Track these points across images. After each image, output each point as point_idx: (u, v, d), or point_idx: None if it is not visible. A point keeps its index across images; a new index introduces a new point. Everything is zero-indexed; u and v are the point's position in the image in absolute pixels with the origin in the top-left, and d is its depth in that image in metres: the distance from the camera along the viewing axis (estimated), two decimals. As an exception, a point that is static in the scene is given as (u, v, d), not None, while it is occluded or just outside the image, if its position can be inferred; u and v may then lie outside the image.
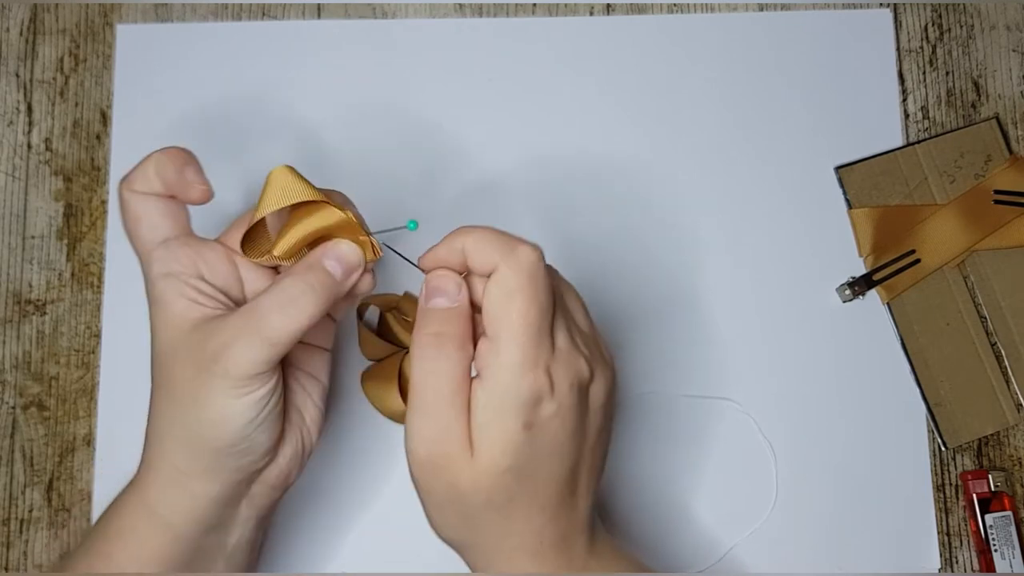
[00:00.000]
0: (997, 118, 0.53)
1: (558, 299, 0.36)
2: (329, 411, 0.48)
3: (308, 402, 0.40)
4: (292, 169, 0.36)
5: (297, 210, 0.36)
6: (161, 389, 0.36)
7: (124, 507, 0.37)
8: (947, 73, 0.53)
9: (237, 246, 0.37)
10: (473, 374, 0.34)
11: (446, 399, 0.34)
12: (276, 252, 0.36)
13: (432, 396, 0.34)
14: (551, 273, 0.36)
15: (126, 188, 0.37)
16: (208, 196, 0.37)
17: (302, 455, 0.39)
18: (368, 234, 0.37)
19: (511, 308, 0.33)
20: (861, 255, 0.51)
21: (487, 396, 0.33)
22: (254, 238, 0.37)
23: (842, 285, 0.51)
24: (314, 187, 0.36)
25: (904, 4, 0.54)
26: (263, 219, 0.36)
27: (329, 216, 0.36)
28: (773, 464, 0.49)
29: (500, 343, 0.33)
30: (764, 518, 0.49)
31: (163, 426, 0.36)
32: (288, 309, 0.34)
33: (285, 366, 0.39)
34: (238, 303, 0.37)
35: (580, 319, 0.37)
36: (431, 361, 0.34)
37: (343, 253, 0.36)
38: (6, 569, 0.48)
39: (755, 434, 0.50)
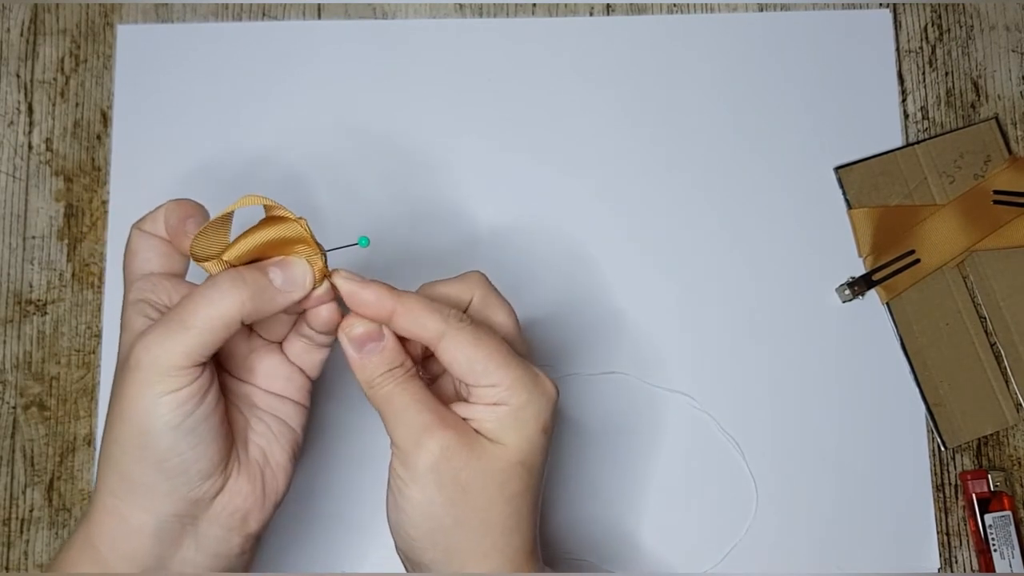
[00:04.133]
0: (996, 118, 0.53)
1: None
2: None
3: (275, 447, 0.38)
4: (256, 197, 0.36)
5: (257, 225, 0.36)
6: (109, 413, 0.35)
7: (72, 544, 0.35)
8: (946, 73, 0.53)
9: None
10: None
11: (432, 404, 0.36)
12: (226, 256, 0.35)
13: (419, 406, 0.36)
14: (487, 295, 0.38)
15: (136, 227, 0.38)
16: None
17: (263, 499, 0.37)
18: (321, 249, 0.36)
19: (483, 356, 0.35)
20: (861, 255, 0.51)
21: (505, 413, 0.35)
22: (208, 239, 0.36)
23: (842, 285, 0.51)
24: (274, 202, 0.36)
25: (903, 4, 0.54)
26: (219, 221, 0.35)
27: (284, 228, 0.35)
28: (743, 460, 0.49)
29: (494, 379, 0.35)
30: (750, 518, 0.49)
31: (102, 450, 0.35)
32: (211, 295, 0.34)
33: (249, 405, 0.38)
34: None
35: (520, 337, 0.39)
36: (399, 394, 0.36)
37: (290, 265, 0.36)
38: (6, 569, 0.48)
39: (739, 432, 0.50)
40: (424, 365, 0.40)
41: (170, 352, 0.33)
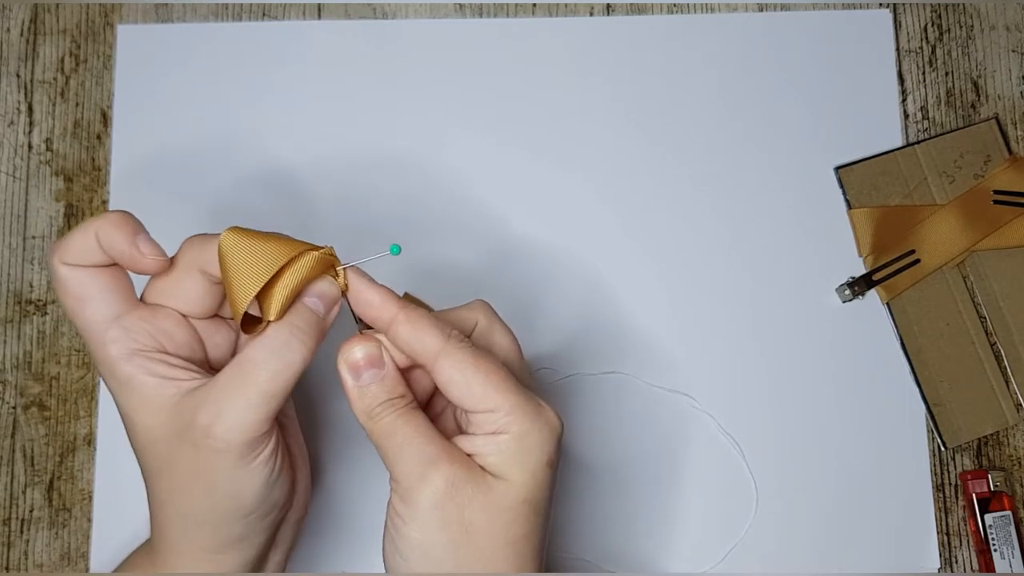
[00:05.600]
0: (996, 118, 0.53)
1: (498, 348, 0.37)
2: (317, 415, 0.49)
3: (293, 425, 0.39)
4: (241, 231, 0.33)
5: (283, 263, 0.34)
6: (159, 475, 0.34)
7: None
8: (947, 73, 0.53)
9: (170, 300, 0.35)
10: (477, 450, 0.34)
11: (436, 436, 0.34)
12: (271, 318, 0.34)
13: (423, 439, 0.34)
14: (489, 318, 0.37)
15: (60, 261, 0.34)
16: (166, 266, 0.35)
17: (312, 478, 0.39)
18: (340, 265, 0.35)
19: (480, 378, 0.33)
20: (861, 255, 0.51)
21: (507, 443, 0.33)
22: (248, 318, 0.34)
23: (842, 285, 0.51)
24: (273, 235, 0.34)
25: (904, 4, 0.54)
26: (260, 271, 0.33)
27: (308, 262, 0.34)
28: (743, 460, 0.49)
29: (493, 403, 0.33)
30: (750, 518, 0.49)
31: (175, 512, 0.34)
32: (280, 356, 0.32)
33: None
34: (205, 366, 0.36)
35: (521, 364, 0.37)
36: (400, 426, 0.34)
37: (322, 290, 0.35)
38: (7, 569, 0.48)
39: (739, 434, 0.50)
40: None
41: (254, 423, 0.32)
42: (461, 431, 0.36)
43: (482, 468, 0.33)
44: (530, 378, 0.38)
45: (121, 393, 0.34)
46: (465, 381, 0.33)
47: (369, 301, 0.35)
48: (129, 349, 0.33)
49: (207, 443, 0.32)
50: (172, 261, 0.35)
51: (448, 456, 0.33)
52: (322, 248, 0.34)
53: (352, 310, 0.36)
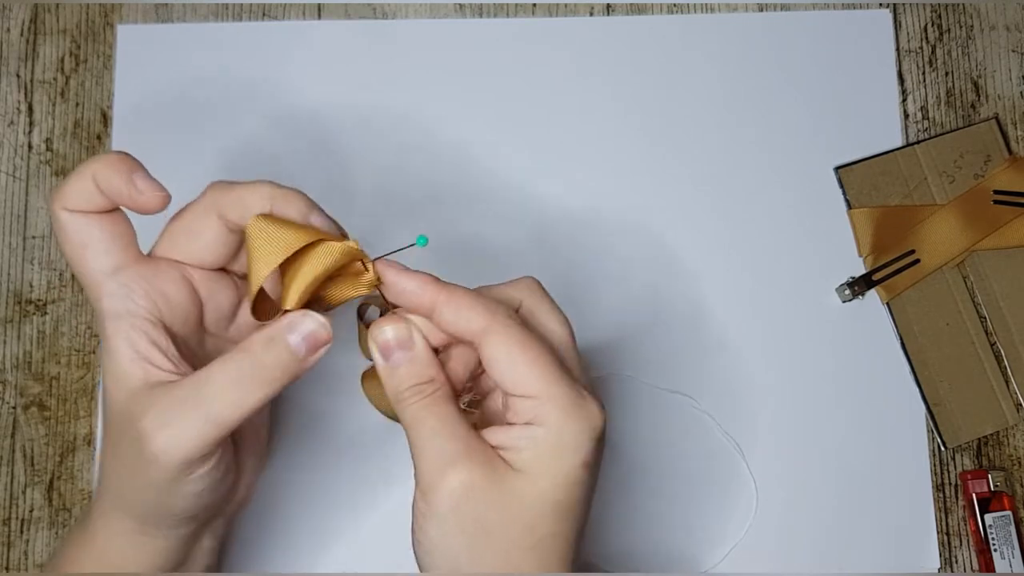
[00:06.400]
0: (996, 118, 0.53)
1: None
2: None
3: (256, 421, 0.38)
4: (269, 217, 0.33)
5: (295, 255, 0.33)
6: (109, 445, 0.33)
7: (74, 558, 0.35)
8: (946, 73, 0.53)
9: (181, 253, 0.34)
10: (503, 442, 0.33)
11: (461, 431, 0.32)
12: (288, 306, 0.33)
13: (446, 433, 0.32)
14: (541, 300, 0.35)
15: (61, 206, 0.33)
16: (167, 202, 0.34)
17: (258, 473, 0.38)
18: (369, 260, 0.34)
19: (527, 360, 0.32)
20: (861, 255, 0.51)
21: (541, 438, 0.32)
22: (260, 301, 0.34)
23: (842, 285, 0.51)
24: (300, 225, 0.33)
25: (903, 4, 0.54)
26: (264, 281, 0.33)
27: (328, 251, 0.33)
28: (743, 460, 0.49)
29: (532, 389, 0.32)
30: (750, 518, 0.49)
31: (111, 489, 0.34)
32: (241, 387, 0.31)
33: None
34: (194, 341, 0.35)
35: (573, 353, 0.35)
36: (424, 417, 0.32)
37: (310, 330, 0.32)
38: (7, 569, 0.48)
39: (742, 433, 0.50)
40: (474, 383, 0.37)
41: (195, 447, 0.31)
42: (501, 419, 0.35)
43: (509, 464, 0.32)
44: (583, 368, 0.35)
45: (102, 351, 0.33)
46: (508, 360, 0.32)
47: (406, 289, 0.33)
48: (122, 308, 0.33)
49: (145, 449, 0.31)
50: (191, 205, 0.35)
51: (469, 456, 0.31)
52: (347, 241, 0.33)
53: (385, 299, 0.35)
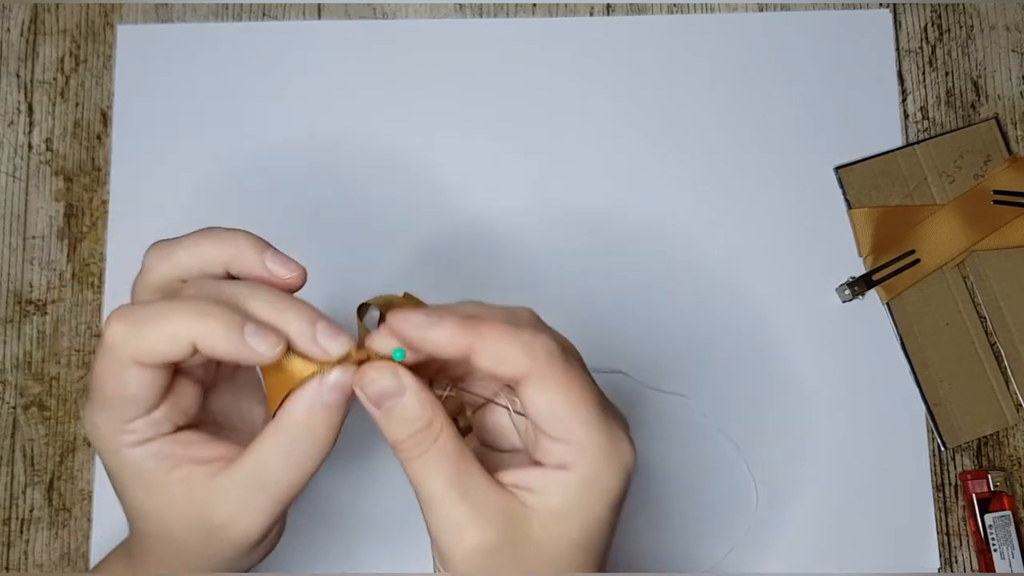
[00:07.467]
0: (996, 118, 0.53)
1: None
2: None
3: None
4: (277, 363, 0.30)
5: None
6: (149, 536, 0.32)
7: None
8: (946, 73, 0.53)
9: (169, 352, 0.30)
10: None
11: (469, 485, 0.30)
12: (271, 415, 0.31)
13: (452, 493, 0.30)
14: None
15: (133, 359, 0.30)
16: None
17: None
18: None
19: (569, 407, 0.30)
20: (861, 255, 0.51)
21: (572, 486, 0.30)
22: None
23: (842, 285, 0.51)
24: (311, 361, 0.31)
25: (903, 4, 0.54)
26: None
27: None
28: (743, 460, 0.49)
29: (570, 436, 0.30)
30: (750, 518, 0.49)
31: (160, 558, 0.33)
32: (299, 463, 0.30)
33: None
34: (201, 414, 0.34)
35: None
36: (427, 475, 0.30)
37: (337, 382, 0.30)
38: (6, 569, 0.48)
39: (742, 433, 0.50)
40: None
41: (271, 522, 0.31)
42: (508, 438, 0.33)
43: (531, 507, 0.30)
44: (601, 393, 0.33)
45: (123, 478, 0.31)
46: (550, 407, 0.30)
47: (437, 343, 0.30)
48: (145, 437, 0.31)
49: (220, 537, 0.31)
50: (137, 286, 0.33)
51: (482, 514, 0.30)
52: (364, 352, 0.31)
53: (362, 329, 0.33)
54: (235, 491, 0.30)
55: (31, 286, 0.50)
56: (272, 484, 0.30)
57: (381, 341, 0.31)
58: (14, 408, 0.49)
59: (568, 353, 0.31)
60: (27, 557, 0.48)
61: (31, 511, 0.48)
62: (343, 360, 0.30)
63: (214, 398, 0.35)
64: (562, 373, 0.30)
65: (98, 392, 0.30)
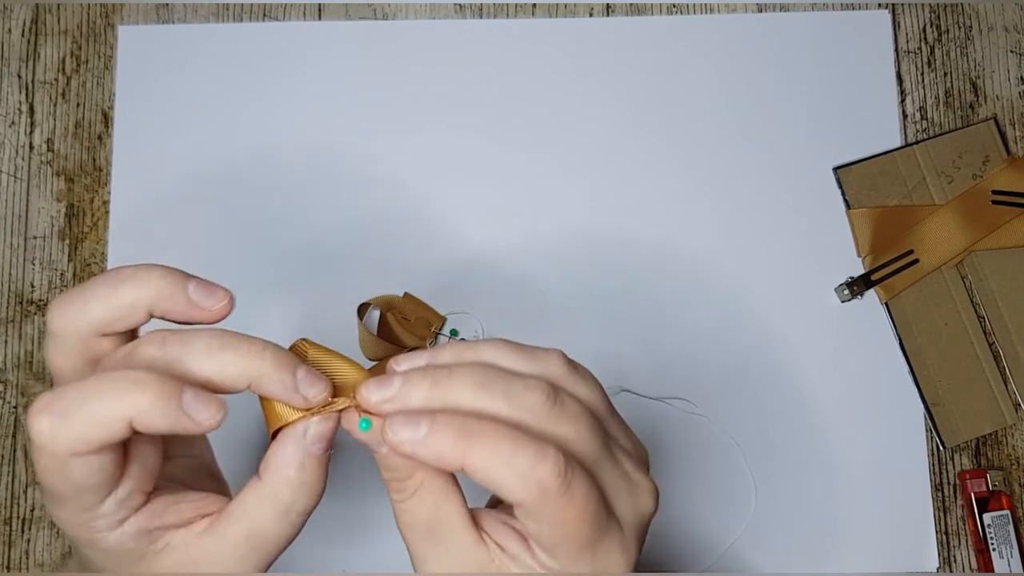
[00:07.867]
0: (995, 119, 0.53)
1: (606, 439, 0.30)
2: None
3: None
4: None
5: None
6: None
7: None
8: (945, 74, 0.53)
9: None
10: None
11: (449, 525, 0.30)
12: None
13: (432, 527, 0.30)
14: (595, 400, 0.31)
15: (69, 451, 0.26)
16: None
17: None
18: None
19: (566, 543, 0.28)
20: (860, 255, 0.51)
21: None
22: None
23: (841, 285, 0.51)
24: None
25: (902, 5, 0.54)
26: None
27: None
28: (743, 460, 0.50)
29: (558, 559, 0.29)
30: (750, 517, 0.49)
31: None
32: (293, 511, 0.29)
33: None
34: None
35: (624, 439, 0.32)
36: (411, 506, 0.30)
37: (320, 432, 0.30)
38: (7, 568, 0.48)
39: (742, 435, 0.50)
40: None
41: (265, 565, 0.30)
42: None
43: (537, 555, 0.29)
44: (620, 424, 0.32)
45: (106, 561, 0.29)
46: (538, 533, 0.28)
47: (426, 460, 0.28)
48: (117, 519, 0.29)
49: None
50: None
51: (450, 568, 0.29)
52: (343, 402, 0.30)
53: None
54: (230, 557, 0.29)
55: (32, 286, 0.50)
56: (270, 543, 0.29)
57: (370, 398, 0.29)
58: (15, 408, 0.49)
59: (571, 477, 0.28)
60: (28, 557, 0.48)
61: (32, 510, 0.49)
62: (325, 407, 0.30)
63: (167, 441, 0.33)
64: (557, 509, 0.28)
65: (49, 491, 0.28)
